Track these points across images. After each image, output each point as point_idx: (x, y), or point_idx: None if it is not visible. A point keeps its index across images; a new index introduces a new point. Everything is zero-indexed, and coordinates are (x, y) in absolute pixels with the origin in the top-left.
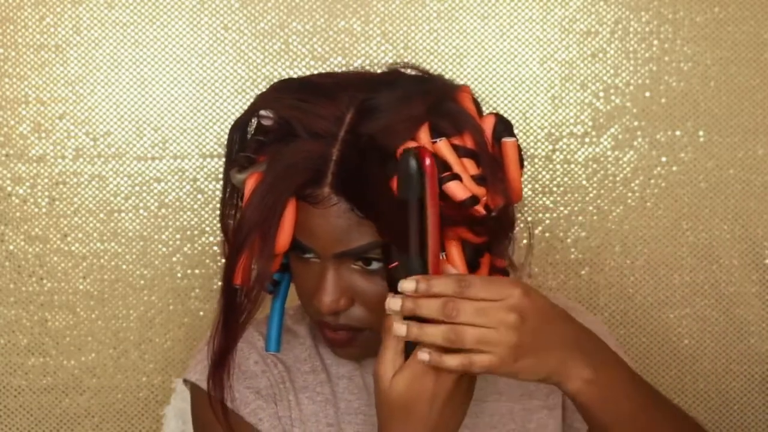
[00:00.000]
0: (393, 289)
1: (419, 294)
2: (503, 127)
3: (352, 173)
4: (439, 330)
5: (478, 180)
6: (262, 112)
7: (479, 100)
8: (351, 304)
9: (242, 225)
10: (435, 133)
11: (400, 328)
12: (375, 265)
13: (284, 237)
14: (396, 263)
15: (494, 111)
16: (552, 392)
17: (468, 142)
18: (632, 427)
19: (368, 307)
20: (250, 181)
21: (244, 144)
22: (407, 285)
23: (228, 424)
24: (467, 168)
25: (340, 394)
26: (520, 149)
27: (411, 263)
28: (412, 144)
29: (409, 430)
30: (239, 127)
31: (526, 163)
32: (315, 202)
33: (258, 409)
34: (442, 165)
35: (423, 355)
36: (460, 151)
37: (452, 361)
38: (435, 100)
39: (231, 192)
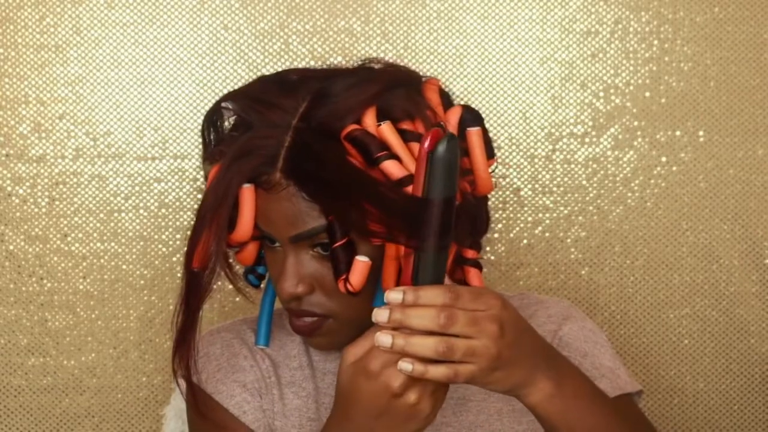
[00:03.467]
0: (338, 271)
1: (406, 305)
2: (470, 116)
3: (302, 157)
4: (431, 341)
5: None
6: (224, 104)
7: (479, 100)
8: (311, 290)
9: (199, 211)
10: (383, 118)
11: (384, 338)
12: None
13: (245, 224)
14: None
15: (466, 104)
16: None
17: (420, 128)
18: None
19: (327, 294)
20: (212, 171)
21: (219, 137)
22: (393, 295)
23: (195, 402)
24: (414, 152)
25: (324, 389)
26: (488, 139)
27: (432, 259)
28: (354, 127)
29: (345, 420)
30: (207, 121)
31: (526, 162)
32: (268, 187)
33: (243, 402)
34: (380, 146)
35: (405, 365)
36: (409, 136)
37: (438, 372)
38: (387, 85)
39: None
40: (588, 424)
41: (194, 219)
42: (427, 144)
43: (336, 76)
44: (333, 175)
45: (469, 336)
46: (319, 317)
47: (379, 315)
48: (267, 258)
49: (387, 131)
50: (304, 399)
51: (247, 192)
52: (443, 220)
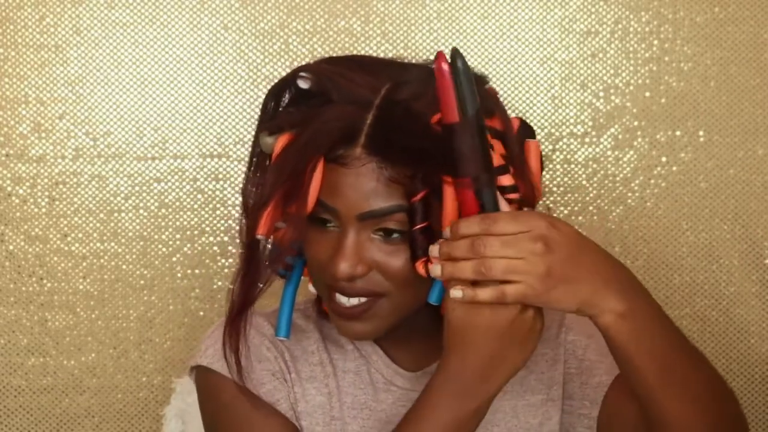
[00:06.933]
0: (415, 254)
1: (451, 238)
2: (527, 129)
3: (387, 134)
4: (469, 264)
5: (505, 159)
6: (302, 74)
7: None
8: (367, 272)
9: (270, 179)
10: None
11: (435, 268)
12: (395, 236)
13: (311, 197)
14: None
15: (521, 117)
16: (554, 384)
17: (497, 125)
18: (659, 365)
19: (386, 276)
20: (280, 141)
21: (276, 113)
22: (445, 232)
23: (241, 378)
24: (498, 149)
25: (345, 388)
26: (541, 153)
27: (484, 188)
28: None
29: (464, 357)
30: (277, 90)
31: None
32: (345, 162)
33: (274, 390)
34: None
35: (456, 292)
36: (490, 132)
37: (484, 293)
38: None
39: (258, 162)
40: (660, 349)
41: (259, 187)
42: (445, 65)
43: (413, 67)
44: (420, 138)
45: (507, 257)
46: (372, 297)
47: (434, 250)
48: (312, 239)
49: None
50: (327, 396)
51: (318, 165)
52: (482, 138)
